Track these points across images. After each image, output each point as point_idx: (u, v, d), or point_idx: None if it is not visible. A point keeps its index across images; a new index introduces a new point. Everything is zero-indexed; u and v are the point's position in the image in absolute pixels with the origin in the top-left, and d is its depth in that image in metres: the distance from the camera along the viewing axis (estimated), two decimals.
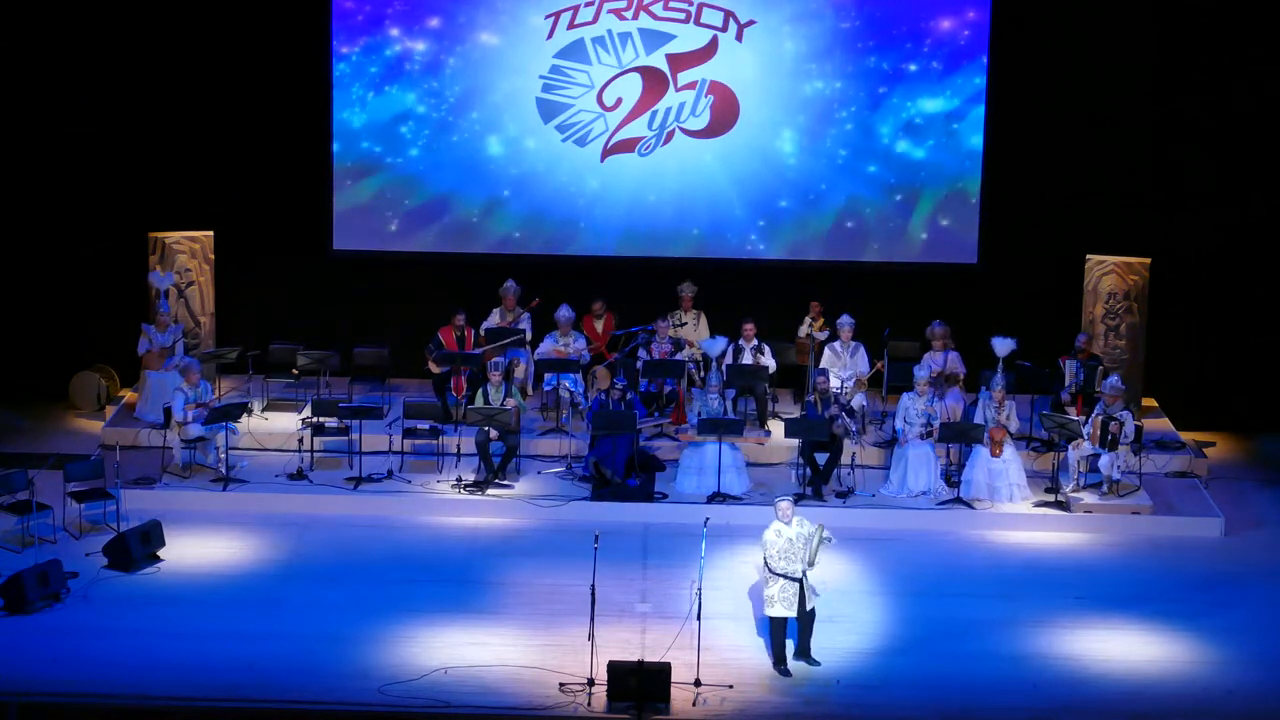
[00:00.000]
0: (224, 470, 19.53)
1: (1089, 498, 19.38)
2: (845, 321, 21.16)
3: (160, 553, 17.91)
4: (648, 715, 14.96)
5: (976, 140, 22.37)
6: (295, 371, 21.57)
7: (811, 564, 15.66)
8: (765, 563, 15.71)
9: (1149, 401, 22.20)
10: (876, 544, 18.60)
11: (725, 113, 22.41)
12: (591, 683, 15.24)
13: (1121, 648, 16.34)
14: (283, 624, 16.47)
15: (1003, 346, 20.56)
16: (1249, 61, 22.07)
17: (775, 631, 15.76)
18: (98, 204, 22.52)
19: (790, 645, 15.85)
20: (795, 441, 19.77)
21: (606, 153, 22.53)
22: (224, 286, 22.40)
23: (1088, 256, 21.93)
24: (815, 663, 15.78)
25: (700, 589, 15.57)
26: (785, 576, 15.59)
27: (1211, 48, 22.03)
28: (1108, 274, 21.74)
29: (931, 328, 21.11)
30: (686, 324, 21.87)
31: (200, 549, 18.16)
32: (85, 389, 22.18)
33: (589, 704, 15.08)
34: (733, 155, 22.51)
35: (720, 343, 20.77)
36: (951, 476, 19.70)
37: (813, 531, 15.66)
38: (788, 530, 15.64)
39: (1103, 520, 19.18)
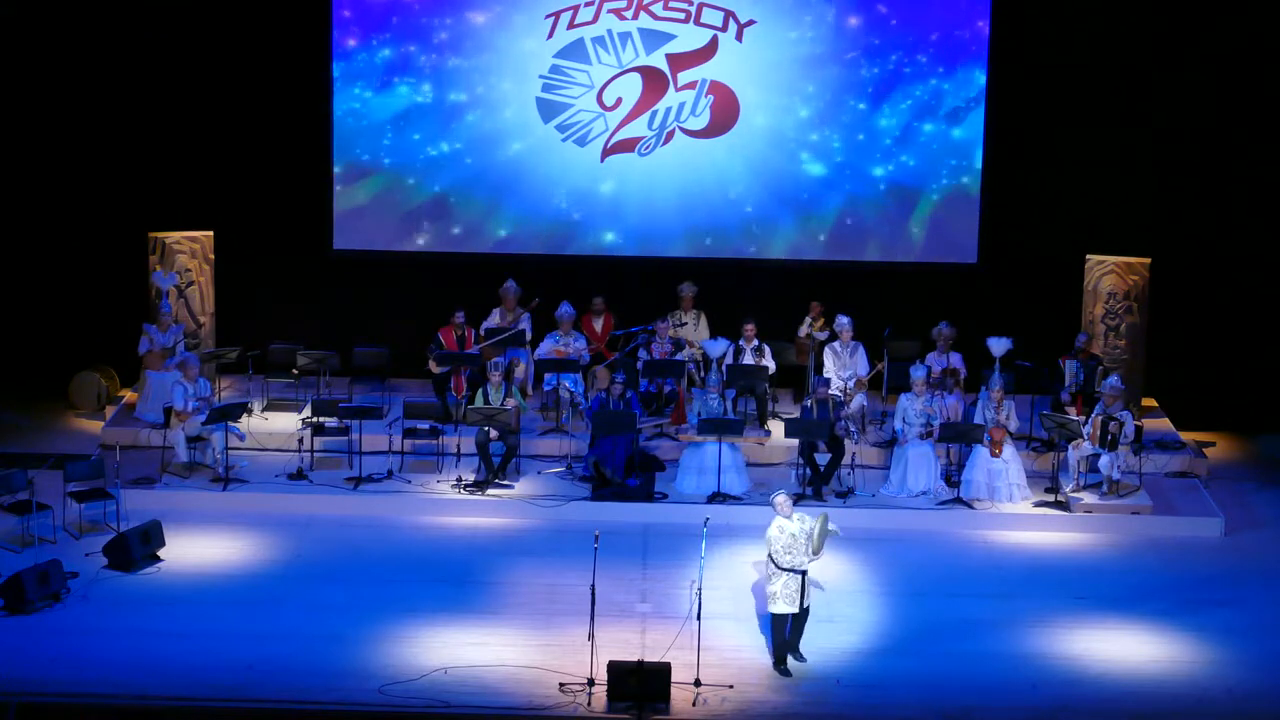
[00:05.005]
0: (224, 470, 19.53)
1: (1089, 498, 19.38)
2: (843, 322, 21.15)
3: (160, 553, 17.91)
4: (648, 715, 14.96)
5: (976, 140, 22.38)
6: (295, 371, 21.57)
7: (817, 553, 15.66)
8: (770, 558, 15.72)
9: (1149, 401, 22.20)
10: (876, 544, 18.60)
11: (725, 112, 22.41)
12: (591, 683, 15.24)
13: (1121, 648, 16.35)
14: (283, 624, 16.47)
15: (998, 346, 20.56)
16: (1249, 61, 22.07)
17: (777, 629, 15.77)
18: (98, 204, 22.52)
19: None
20: (795, 441, 19.78)
21: (606, 152, 22.54)
22: (224, 286, 22.40)
23: (1088, 256, 21.93)
24: (802, 659, 15.79)
25: (700, 589, 15.57)
26: (790, 571, 15.59)
27: (1212, 47, 22.04)
28: (1108, 274, 21.74)
29: (940, 328, 21.09)
30: (686, 324, 21.87)
31: (200, 549, 18.16)
32: (85, 389, 22.18)
33: (589, 704, 15.08)
34: (733, 155, 22.52)
35: (722, 344, 20.78)
36: (951, 476, 19.70)
37: (815, 524, 15.67)
38: (790, 526, 15.65)
39: (1103, 520, 19.18)
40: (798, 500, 19.18)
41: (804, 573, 15.64)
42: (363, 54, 22.31)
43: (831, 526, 15.82)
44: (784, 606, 15.69)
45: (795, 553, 15.62)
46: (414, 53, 22.32)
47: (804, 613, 15.81)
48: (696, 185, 22.59)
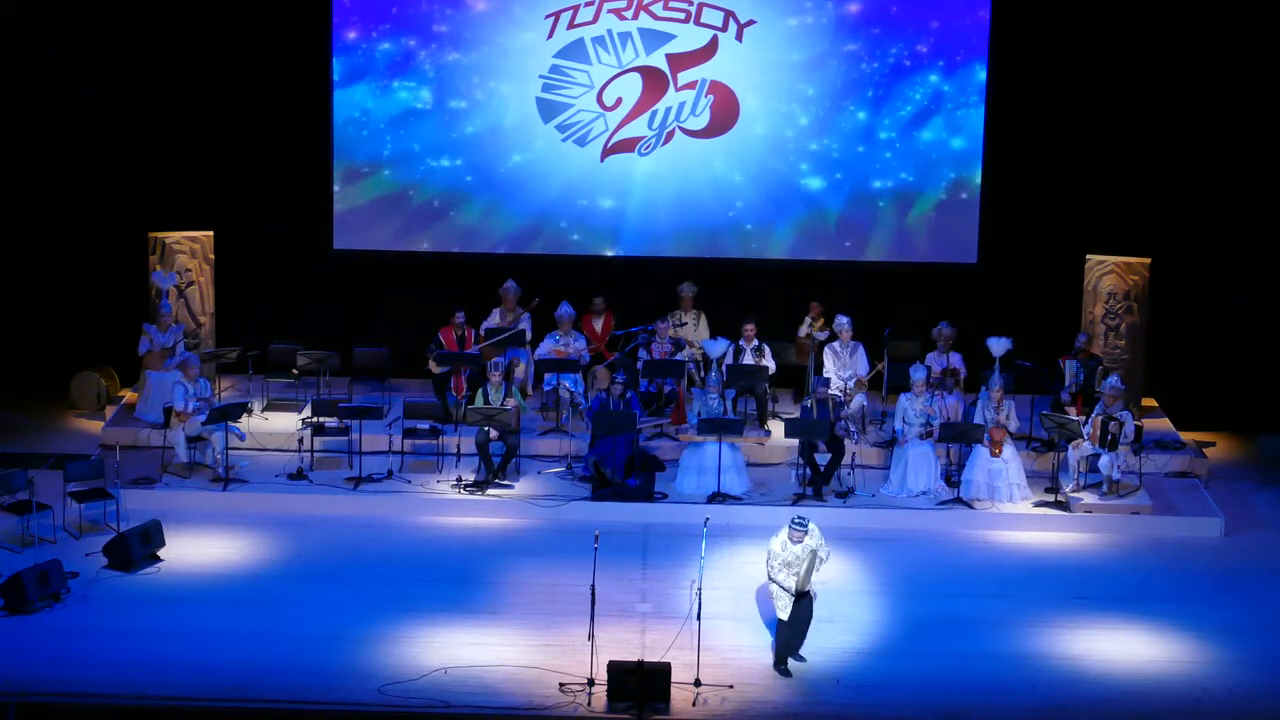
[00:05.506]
0: (224, 470, 19.53)
1: (1089, 498, 19.38)
2: (843, 322, 21.15)
3: (160, 553, 17.91)
4: (648, 715, 14.96)
5: (976, 140, 22.37)
6: (295, 371, 21.57)
7: (801, 588, 15.62)
8: (768, 565, 15.73)
9: (1149, 401, 22.20)
10: (876, 544, 18.60)
11: (725, 112, 22.41)
12: (591, 683, 15.24)
13: (1121, 648, 16.35)
14: (283, 624, 16.47)
15: (998, 346, 20.56)
16: (1249, 60, 22.07)
17: (779, 629, 15.78)
18: (98, 204, 22.52)
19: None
20: (795, 441, 19.77)
21: (606, 152, 22.54)
22: (224, 286, 22.40)
23: (1088, 256, 21.93)
24: (801, 659, 15.78)
25: (700, 589, 15.57)
26: (782, 587, 15.61)
27: (1211, 47, 22.03)
28: (1108, 274, 21.74)
29: (940, 328, 21.09)
30: (686, 324, 21.87)
31: (200, 549, 18.16)
32: (85, 389, 22.18)
33: (589, 704, 15.08)
34: (733, 155, 22.51)
35: (722, 344, 20.78)
36: (951, 476, 19.69)
37: (810, 553, 15.61)
38: (794, 547, 15.63)
39: (1103, 520, 19.18)
40: (797, 500, 19.25)
41: (797, 594, 15.63)
42: (363, 46, 22.26)
43: (822, 554, 15.77)
44: (781, 613, 15.70)
45: (790, 571, 15.59)
46: (414, 47, 22.31)
47: (804, 621, 15.79)
48: (696, 185, 22.58)
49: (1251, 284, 22.51)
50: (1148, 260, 21.80)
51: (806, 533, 15.64)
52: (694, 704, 15.11)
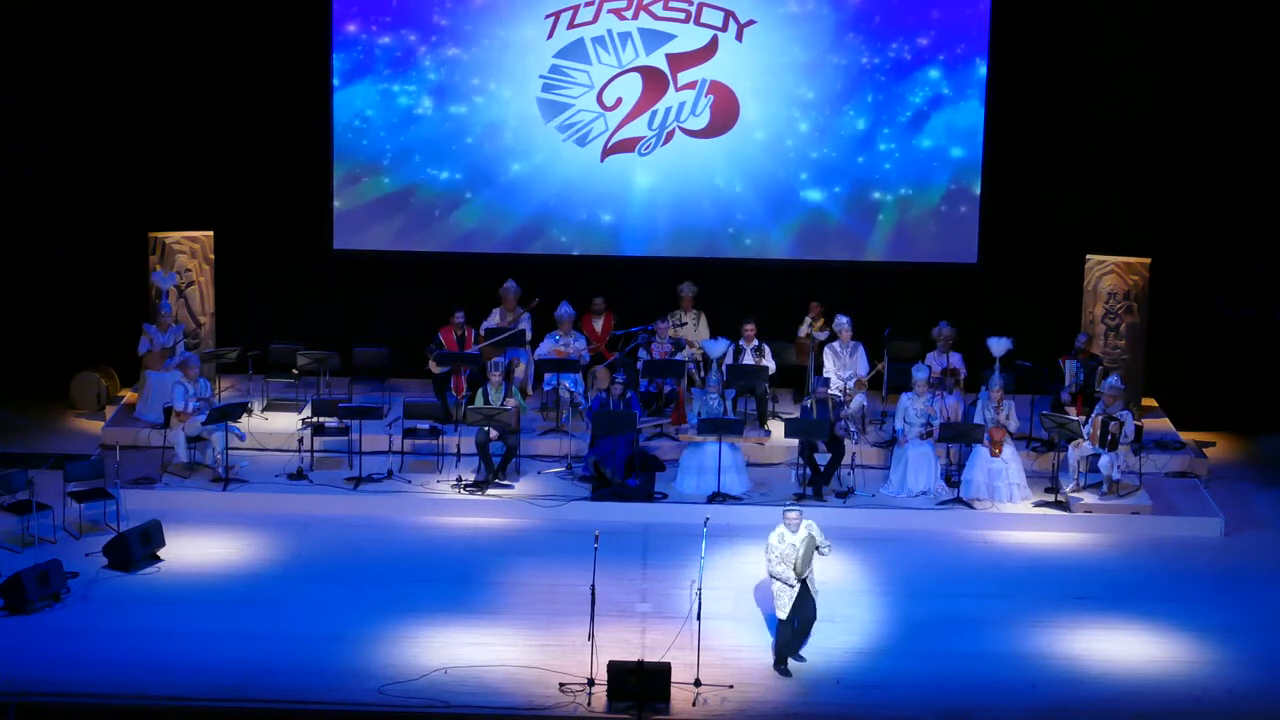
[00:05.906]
0: (224, 470, 19.53)
1: (1089, 498, 19.38)
2: (842, 322, 21.15)
3: (160, 553, 17.91)
4: (648, 715, 14.96)
5: (976, 139, 22.37)
6: (295, 371, 21.57)
7: (799, 576, 15.60)
8: (767, 566, 15.73)
9: (1149, 401, 22.20)
10: (876, 544, 18.60)
11: (725, 112, 22.41)
12: (591, 683, 15.24)
13: (1121, 648, 16.35)
14: (283, 624, 16.47)
15: (999, 346, 20.56)
16: (1249, 61, 22.07)
17: (779, 629, 15.77)
18: (98, 204, 22.53)
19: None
20: (795, 441, 19.77)
21: (606, 152, 22.54)
22: (224, 286, 22.40)
23: (1088, 256, 21.92)
24: (801, 659, 15.78)
25: (700, 589, 15.57)
26: (782, 581, 15.61)
27: (1212, 47, 22.03)
28: (1108, 274, 21.74)
29: (939, 328, 21.09)
30: (686, 324, 21.87)
31: (200, 549, 18.16)
32: (85, 389, 22.18)
33: (589, 704, 15.08)
34: (733, 155, 22.51)
35: (722, 344, 20.78)
36: (951, 476, 19.69)
37: (807, 538, 15.60)
38: (791, 537, 15.63)
39: (1103, 520, 19.18)
40: (797, 500, 19.24)
41: (794, 586, 15.62)
42: (363, 40, 22.20)
43: (822, 545, 15.74)
44: (780, 611, 15.70)
45: (789, 563, 15.60)
46: (414, 52, 22.30)
47: (808, 620, 15.79)
48: (696, 185, 22.59)
49: (1251, 285, 22.52)
50: (1148, 260, 21.80)
51: (800, 515, 15.63)
52: (694, 704, 15.11)
